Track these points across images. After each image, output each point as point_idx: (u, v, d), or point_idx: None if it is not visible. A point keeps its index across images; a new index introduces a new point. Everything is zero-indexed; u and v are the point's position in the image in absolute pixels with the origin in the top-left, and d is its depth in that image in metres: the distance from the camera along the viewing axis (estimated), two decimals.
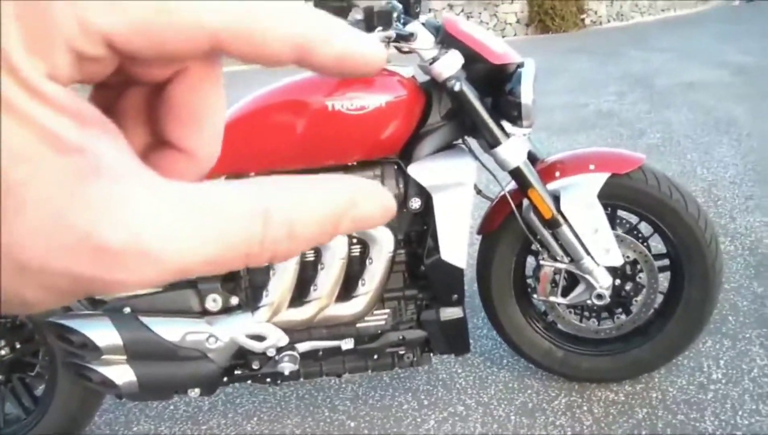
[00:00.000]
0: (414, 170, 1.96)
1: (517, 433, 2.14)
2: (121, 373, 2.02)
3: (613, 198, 2.10)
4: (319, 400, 2.41)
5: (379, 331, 2.08)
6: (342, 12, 1.84)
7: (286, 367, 2.02)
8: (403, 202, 2.00)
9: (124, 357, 2.01)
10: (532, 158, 2.23)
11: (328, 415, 2.33)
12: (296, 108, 1.94)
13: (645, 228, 2.20)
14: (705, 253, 2.09)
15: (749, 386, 2.20)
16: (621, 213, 2.19)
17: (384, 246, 1.99)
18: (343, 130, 1.93)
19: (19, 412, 2.22)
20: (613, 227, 2.18)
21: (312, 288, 2.01)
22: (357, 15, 1.93)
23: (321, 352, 2.09)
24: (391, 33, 1.90)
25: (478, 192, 2.15)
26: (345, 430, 2.24)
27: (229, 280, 2.08)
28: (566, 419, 2.16)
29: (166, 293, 2.07)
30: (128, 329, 2.00)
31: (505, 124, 2.02)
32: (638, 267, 2.16)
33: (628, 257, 2.15)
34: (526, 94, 1.95)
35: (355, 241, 2.02)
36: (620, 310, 2.23)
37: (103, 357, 2.01)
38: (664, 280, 2.22)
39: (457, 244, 1.99)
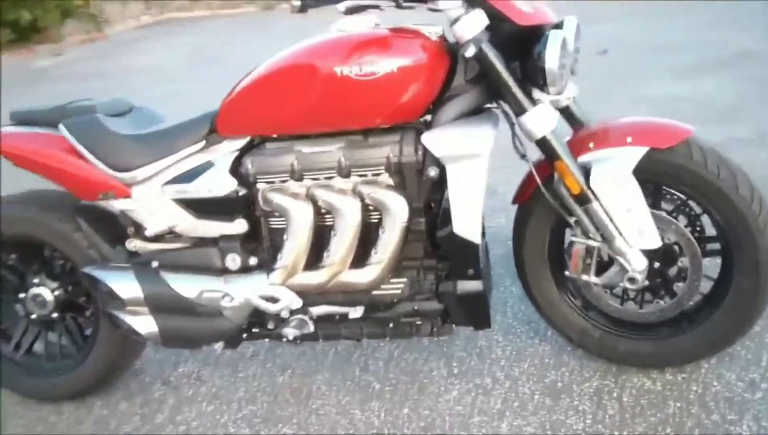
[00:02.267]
0: (427, 139, 1.88)
1: (536, 414, 2.05)
2: (145, 324, 2.13)
3: (652, 174, 1.91)
4: (353, 359, 2.42)
5: (395, 300, 2.04)
6: None
7: (290, 332, 2.04)
8: (421, 169, 1.93)
9: (147, 309, 2.11)
10: (576, 124, 2.09)
11: (357, 374, 2.34)
12: (307, 73, 1.89)
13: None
14: (757, 240, 1.87)
15: None
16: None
17: (397, 215, 1.93)
18: (354, 96, 1.87)
19: (72, 348, 2.40)
20: (659, 204, 2.01)
21: (325, 253, 2.00)
22: None
23: (337, 317, 2.10)
24: None
25: (522, 156, 2.03)
26: (368, 392, 2.25)
27: (250, 241, 2.11)
28: (591, 405, 2.05)
29: (190, 250, 2.14)
30: (149, 283, 2.10)
31: (536, 91, 1.88)
32: (681, 250, 1.97)
33: (668, 239, 1.96)
34: (551, 59, 1.79)
35: (370, 207, 1.98)
36: (663, 293, 2.05)
37: (128, 308, 2.11)
38: (715, 264, 2.02)
39: (470, 218, 1.89)
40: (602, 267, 2.01)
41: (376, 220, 1.98)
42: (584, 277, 2.02)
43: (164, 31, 11.10)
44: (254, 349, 2.54)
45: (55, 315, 2.36)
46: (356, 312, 2.05)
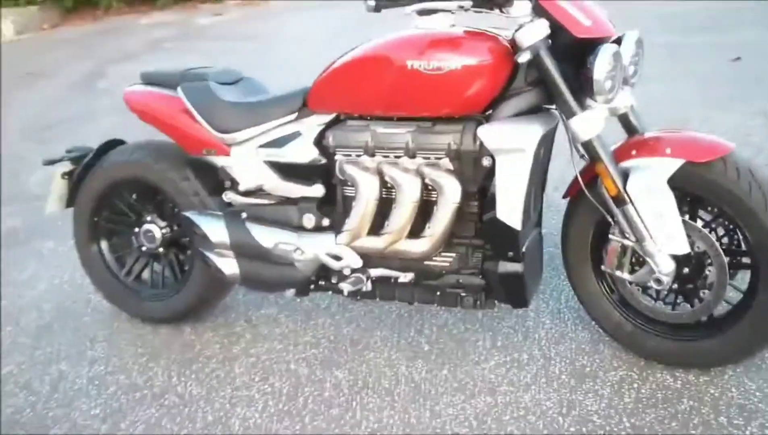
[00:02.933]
0: (483, 131, 2.10)
1: (558, 391, 2.24)
2: (228, 265, 2.48)
3: (687, 186, 2.05)
4: (413, 321, 2.69)
5: (443, 272, 2.29)
6: None
7: (346, 287, 2.32)
8: (477, 157, 2.16)
9: (231, 252, 2.46)
10: (632, 131, 2.24)
11: (412, 335, 2.61)
12: (385, 63, 2.15)
13: None
14: None
15: None
16: None
17: (450, 196, 2.17)
18: (421, 88, 2.11)
19: (171, 279, 2.79)
20: (696, 213, 2.14)
21: (387, 222, 2.26)
22: None
23: (392, 280, 2.36)
24: (468, 2, 2.02)
25: (582, 156, 2.21)
26: (416, 351, 2.51)
27: (325, 204, 2.41)
28: (610, 391, 2.22)
29: (274, 206, 2.47)
30: (235, 230, 2.44)
31: (589, 98, 2.06)
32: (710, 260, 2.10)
33: (698, 248, 2.10)
34: (599, 70, 1.97)
35: (429, 187, 2.22)
36: (690, 298, 2.19)
37: (216, 250, 2.47)
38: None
39: (512, 205, 2.10)
40: (637, 265, 2.18)
41: (433, 199, 2.23)
42: (618, 273, 2.20)
43: (326, 4, 11.42)
44: (329, 303, 2.85)
45: (161, 250, 2.76)
46: (406, 277, 2.31)
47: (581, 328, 2.54)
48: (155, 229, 2.73)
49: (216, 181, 2.56)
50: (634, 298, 2.26)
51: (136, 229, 2.77)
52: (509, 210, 2.11)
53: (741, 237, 2.10)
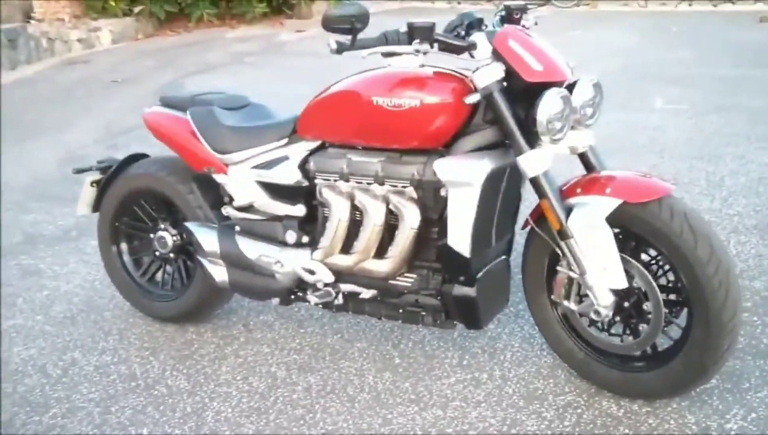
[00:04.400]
0: (437, 164, 2.28)
1: (506, 410, 2.38)
2: (219, 272, 2.74)
3: (624, 225, 2.17)
4: (393, 336, 2.87)
5: (405, 291, 2.47)
6: (351, 31, 2.18)
7: (313, 299, 2.54)
8: (438, 188, 2.33)
9: (222, 261, 2.71)
10: (590, 170, 2.37)
11: (388, 349, 2.79)
12: (356, 98, 2.37)
13: None
14: (708, 298, 2.08)
15: None
16: None
17: (409, 222, 2.36)
18: (385, 122, 2.31)
19: (178, 283, 3.07)
20: (640, 253, 2.25)
21: (355, 242, 2.47)
22: (401, 29, 2.26)
23: (361, 296, 2.56)
24: (426, 47, 2.20)
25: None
26: (387, 363, 2.69)
27: (306, 223, 2.63)
28: (553, 414, 2.35)
29: (263, 222, 2.71)
30: (225, 242, 2.69)
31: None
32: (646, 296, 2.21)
33: (636, 284, 2.21)
34: (542, 112, 2.13)
35: (395, 212, 2.41)
36: (629, 332, 2.30)
37: (209, 258, 2.73)
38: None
39: (461, 233, 2.27)
40: (585, 297, 2.31)
41: (396, 223, 2.41)
42: (565, 303, 2.33)
43: (402, 18, 11.76)
44: (321, 314, 3.06)
45: (172, 255, 3.04)
46: (368, 293, 2.50)
47: (546, 353, 2.66)
48: (167, 236, 3.01)
49: (217, 196, 2.82)
50: (581, 327, 2.38)
51: (152, 235, 3.06)
52: (458, 238, 2.28)
53: (674, 274, 2.19)
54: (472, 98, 2.19)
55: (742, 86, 6.25)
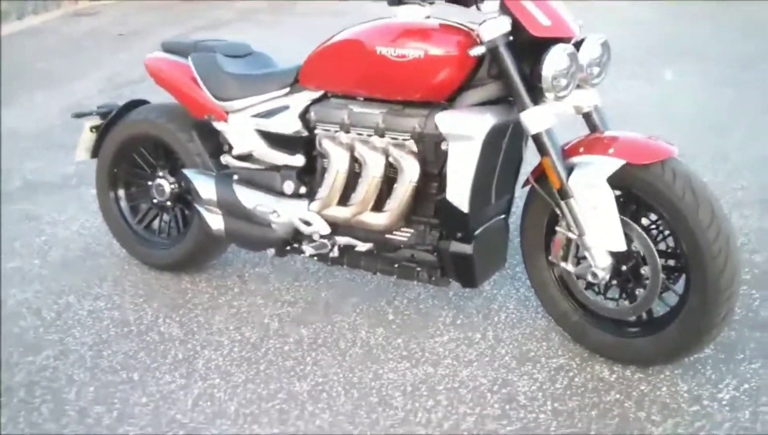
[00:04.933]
0: (439, 117, 2.24)
1: (497, 370, 2.37)
2: (216, 221, 2.72)
3: (626, 186, 2.14)
4: (388, 292, 2.86)
5: (401, 246, 2.44)
6: None
7: (308, 249, 2.52)
8: (439, 142, 2.29)
9: (218, 210, 2.69)
10: (594, 129, 2.33)
11: (382, 305, 2.78)
12: (359, 47, 2.32)
13: None
14: (707, 264, 2.05)
15: (746, 422, 2.10)
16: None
17: (408, 175, 2.32)
18: (388, 73, 2.27)
19: (175, 230, 3.05)
20: (641, 215, 2.22)
21: (353, 194, 2.44)
22: None
23: (357, 249, 2.53)
24: None
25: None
26: (380, 319, 2.68)
27: (305, 174, 2.60)
28: (545, 376, 2.33)
29: (261, 171, 2.68)
30: (222, 190, 2.67)
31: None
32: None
33: (635, 248, 2.18)
34: (547, 67, 2.09)
35: (393, 165, 2.37)
36: (629, 295, 2.27)
37: (206, 206, 2.70)
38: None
39: (460, 188, 2.24)
40: (582, 258, 2.28)
41: (395, 177, 2.38)
42: (562, 265, 2.30)
43: None
44: (318, 268, 3.04)
45: (169, 203, 3.02)
46: (364, 246, 2.48)
47: (541, 316, 2.64)
48: (165, 183, 2.98)
49: (217, 144, 2.79)
50: (578, 290, 2.35)
51: (150, 183, 3.04)
52: (457, 193, 2.25)
53: (673, 239, 2.16)
54: (477, 50, 2.14)
55: (760, 63, 6.14)
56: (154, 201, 3.04)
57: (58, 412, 2.29)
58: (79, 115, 3.11)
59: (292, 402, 2.28)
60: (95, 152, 3.09)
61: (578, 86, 2.24)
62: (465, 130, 2.19)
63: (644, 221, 2.23)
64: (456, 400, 2.26)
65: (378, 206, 2.41)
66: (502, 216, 2.50)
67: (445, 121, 2.22)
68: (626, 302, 2.28)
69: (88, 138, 3.08)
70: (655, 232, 2.25)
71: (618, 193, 2.16)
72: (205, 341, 2.61)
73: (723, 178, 3.76)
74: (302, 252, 2.63)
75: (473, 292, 2.78)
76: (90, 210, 3.74)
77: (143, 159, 3.05)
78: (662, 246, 2.24)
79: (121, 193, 3.13)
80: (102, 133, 3.04)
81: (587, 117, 2.34)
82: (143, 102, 3.07)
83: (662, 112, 4.89)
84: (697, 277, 2.09)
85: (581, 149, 2.19)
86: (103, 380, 2.44)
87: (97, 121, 3.07)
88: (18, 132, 5.20)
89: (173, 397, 2.33)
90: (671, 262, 2.22)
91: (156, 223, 3.14)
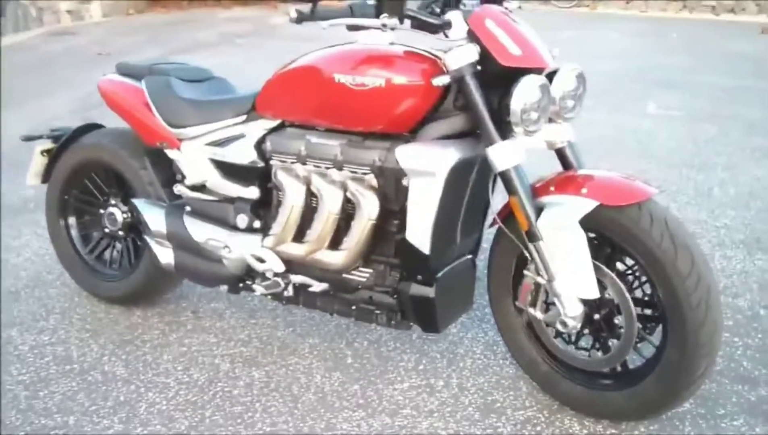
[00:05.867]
0: (399, 150, 2.09)
1: (459, 423, 2.20)
2: (165, 255, 2.55)
3: (599, 229, 1.99)
4: (348, 333, 2.69)
5: (358, 287, 2.28)
6: None
7: (259, 289, 2.36)
8: (400, 177, 2.14)
9: (168, 242, 2.52)
10: (567, 167, 2.18)
11: (341, 347, 2.61)
12: (317, 74, 2.17)
13: None
14: (686, 316, 1.90)
15: None
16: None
17: (366, 212, 2.17)
18: (347, 102, 2.12)
19: (126, 262, 2.88)
20: (615, 261, 2.07)
21: (308, 231, 2.28)
22: (370, 0, 2.06)
23: (312, 289, 2.37)
24: (395, 22, 2.00)
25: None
26: (338, 362, 2.51)
27: (259, 207, 2.44)
28: (510, 430, 2.17)
29: (214, 203, 2.52)
30: (172, 222, 2.51)
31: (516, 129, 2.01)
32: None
33: (609, 295, 2.02)
34: (516, 100, 1.94)
35: (351, 201, 2.22)
36: (598, 346, 2.12)
37: (155, 238, 2.53)
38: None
39: (422, 228, 2.08)
40: (552, 305, 2.12)
41: (353, 212, 2.22)
42: (531, 311, 2.14)
43: None
44: (276, 305, 2.87)
45: (121, 232, 2.85)
46: (320, 286, 2.31)
47: (509, 363, 2.48)
48: (117, 212, 2.82)
49: (170, 173, 2.63)
50: (547, 338, 2.20)
51: (102, 211, 2.87)
52: (418, 232, 2.10)
53: (650, 287, 2.01)
54: (441, 80, 1.99)
55: (739, 96, 6.07)
56: (106, 230, 2.87)
57: None
58: (29, 139, 2.95)
59: None
60: (46, 177, 2.93)
61: (551, 120, 2.10)
62: (426, 166, 2.04)
63: (619, 266, 2.08)
64: None
65: (335, 244, 2.25)
66: (469, 256, 2.35)
67: (406, 154, 2.07)
68: (599, 353, 2.13)
69: (39, 162, 2.92)
70: (630, 278, 2.09)
71: (591, 235, 2.01)
72: (150, 382, 2.43)
73: (705, 215, 3.63)
74: (255, 290, 2.47)
75: (438, 336, 2.62)
76: (44, 236, 3.51)
77: (95, 186, 2.89)
78: (638, 293, 2.09)
79: (72, 220, 2.96)
80: (53, 157, 2.88)
81: (560, 153, 2.19)
82: (97, 126, 2.91)
83: (644, 146, 4.78)
84: (675, 328, 1.94)
85: (552, 188, 2.04)
86: (35, 424, 2.26)
87: (48, 144, 2.91)
88: None
89: None
90: (648, 311, 2.07)
91: (108, 254, 2.96)
